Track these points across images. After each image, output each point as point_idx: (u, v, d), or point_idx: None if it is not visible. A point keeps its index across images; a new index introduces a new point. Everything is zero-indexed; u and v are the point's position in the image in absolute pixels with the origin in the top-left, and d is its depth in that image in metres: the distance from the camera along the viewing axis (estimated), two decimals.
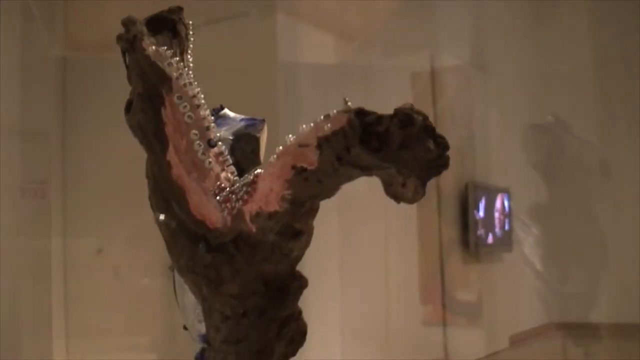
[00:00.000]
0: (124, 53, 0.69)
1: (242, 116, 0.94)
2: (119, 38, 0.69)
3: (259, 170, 0.63)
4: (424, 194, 0.58)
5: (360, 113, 0.56)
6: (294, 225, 0.61)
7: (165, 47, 0.67)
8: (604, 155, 3.37)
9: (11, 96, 1.56)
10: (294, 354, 0.68)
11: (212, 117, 0.83)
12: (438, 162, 0.57)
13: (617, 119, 3.37)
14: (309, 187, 0.58)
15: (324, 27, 2.39)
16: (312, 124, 0.58)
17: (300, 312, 0.68)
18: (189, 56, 0.74)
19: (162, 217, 0.68)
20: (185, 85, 0.67)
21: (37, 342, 1.74)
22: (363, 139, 0.55)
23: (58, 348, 2.06)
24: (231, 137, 0.92)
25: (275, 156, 0.60)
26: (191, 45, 0.75)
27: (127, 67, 0.69)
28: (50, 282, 2.12)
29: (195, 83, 0.69)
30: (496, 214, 3.69)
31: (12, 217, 1.82)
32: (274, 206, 0.59)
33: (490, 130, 3.49)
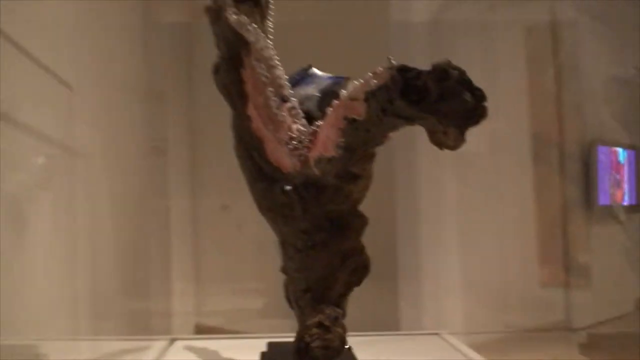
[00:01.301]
0: (211, 22, 0.80)
1: (329, 74, 1.03)
2: (207, 10, 0.79)
3: (320, 122, 0.72)
4: (463, 141, 0.64)
5: (402, 69, 0.62)
6: (351, 170, 0.70)
7: (245, 16, 0.77)
8: None
9: (137, 54, 1.68)
10: (358, 283, 0.78)
11: (298, 75, 0.93)
12: (475, 112, 0.63)
13: None
14: (359, 136, 0.66)
15: None
16: (361, 80, 0.66)
17: (362, 247, 0.77)
18: (269, 22, 0.84)
19: (287, 187, 0.78)
20: (262, 48, 0.77)
21: (164, 287, 1.93)
22: (404, 93, 0.62)
23: (186, 292, 2.29)
24: (318, 94, 1.01)
25: (331, 108, 0.68)
26: (271, 12, 0.84)
27: (215, 35, 0.80)
28: (179, 234, 2.33)
29: (271, 45, 0.78)
30: (624, 173, 3.56)
31: (143, 174, 2.00)
32: (331, 152, 0.68)
33: (615, 86, 3.35)
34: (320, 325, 0.71)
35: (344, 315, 0.82)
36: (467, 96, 0.62)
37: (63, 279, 1.01)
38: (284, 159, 0.75)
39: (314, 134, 0.72)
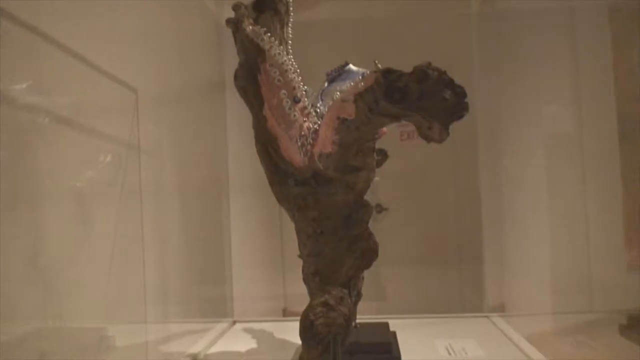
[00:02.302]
0: (233, 33, 0.88)
1: (364, 70, 1.09)
2: (228, 21, 0.88)
3: (319, 121, 0.79)
4: (448, 134, 0.70)
5: (387, 72, 0.68)
6: (351, 163, 0.77)
7: (260, 26, 0.85)
8: None
9: (199, 55, 1.73)
10: (367, 266, 0.84)
11: (336, 72, 0.99)
12: (457, 108, 0.68)
13: None
14: (351, 133, 0.72)
15: None
16: (352, 83, 0.72)
17: (369, 233, 0.83)
18: (289, 28, 0.91)
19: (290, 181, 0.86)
20: (275, 55, 0.85)
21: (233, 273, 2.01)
22: (387, 93, 0.68)
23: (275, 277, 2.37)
24: None
25: (326, 109, 0.75)
26: (291, 20, 0.92)
27: (235, 44, 0.89)
28: (263, 223, 2.43)
29: (285, 52, 0.86)
30: None
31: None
32: (328, 149, 0.75)
33: None
34: (325, 304, 0.78)
35: (358, 296, 0.89)
36: (447, 94, 0.67)
37: (131, 268, 1.10)
38: (295, 155, 0.83)
39: (316, 132, 0.79)
